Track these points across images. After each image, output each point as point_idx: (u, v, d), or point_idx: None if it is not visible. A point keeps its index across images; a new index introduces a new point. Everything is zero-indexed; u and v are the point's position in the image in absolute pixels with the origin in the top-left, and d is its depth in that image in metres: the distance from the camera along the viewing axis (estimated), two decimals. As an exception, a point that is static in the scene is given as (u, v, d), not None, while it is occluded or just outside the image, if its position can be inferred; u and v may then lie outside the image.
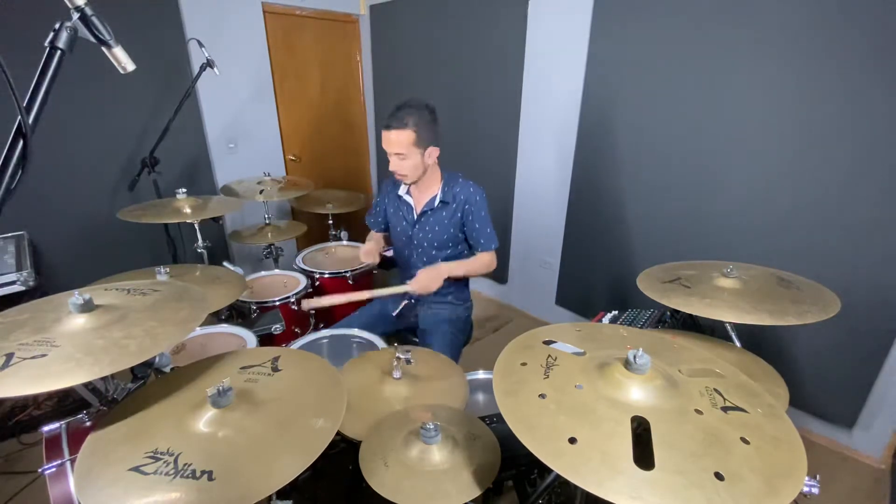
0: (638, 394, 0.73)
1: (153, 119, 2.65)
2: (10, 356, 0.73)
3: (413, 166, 1.57)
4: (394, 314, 1.83)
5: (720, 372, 0.84)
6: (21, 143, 0.79)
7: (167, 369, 1.06)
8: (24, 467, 1.81)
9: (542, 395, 0.75)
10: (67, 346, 0.76)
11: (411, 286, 1.60)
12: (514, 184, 2.94)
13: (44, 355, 0.73)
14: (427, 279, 1.60)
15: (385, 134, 1.54)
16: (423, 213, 1.70)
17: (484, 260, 1.70)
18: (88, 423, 1.02)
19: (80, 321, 0.83)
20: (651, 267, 1.41)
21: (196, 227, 2.08)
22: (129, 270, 1.56)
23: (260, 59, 3.12)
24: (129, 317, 0.86)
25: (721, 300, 1.14)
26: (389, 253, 2.41)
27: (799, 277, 1.27)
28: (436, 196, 1.67)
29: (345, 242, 2.65)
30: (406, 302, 1.82)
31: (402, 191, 1.75)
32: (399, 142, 1.51)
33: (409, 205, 1.74)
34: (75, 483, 0.71)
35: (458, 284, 1.80)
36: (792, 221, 1.84)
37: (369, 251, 1.82)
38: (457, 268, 1.67)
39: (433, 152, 1.59)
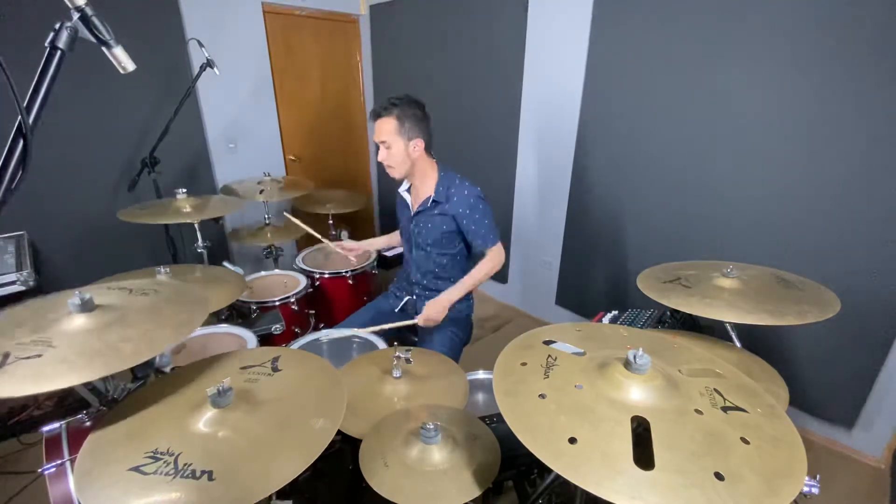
0: (638, 394, 0.73)
1: (153, 119, 2.64)
2: (6, 355, 0.72)
3: (397, 157, 1.60)
4: (396, 311, 1.85)
5: (720, 372, 0.84)
6: (21, 143, 0.79)
7: (167, 369, 1.06)
8: (24, 467, 1.80)
9: (542, 395, 0.75)
10: (63, 346, 0.76)
11: (419, 320, 1.62)
12: (514, 184, 2.93)
13: (39, 356, 0.73)
14: (433, 313, 1.61)
15: (373, 124, 1.60)
16: (419, 212, 1.72)
17: (485, 265, 1.68)
18: (88, 423, 1.02)
19: (79, 321, 0.83)
20: (651, 267, 1.41)
21: (196, 227, 2.08)
22: (129, 270, 1.56)
23: (260, 59, 3.12)
24: (128, 318, 0.86)
25: (721, 300, 1.13)
26: (390, 253, 2.41)
27: (799, 277, 1.27)
28: (430, 196, 1.68)
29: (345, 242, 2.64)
30: (408, 298, 1.84)
31: (402, 188, 1.78)
32: (382, 129, 1.57)
33: (407, 203, 1.77)
34: (75, 483, 0.71)
35: (453, 284, 1.79)
36: (792, 221, 1.84)
37: (352, 248, 2.06)
38: (459, 290, 1.66)
39: (418, 144, 1.60)
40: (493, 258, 1.68)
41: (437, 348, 1.60)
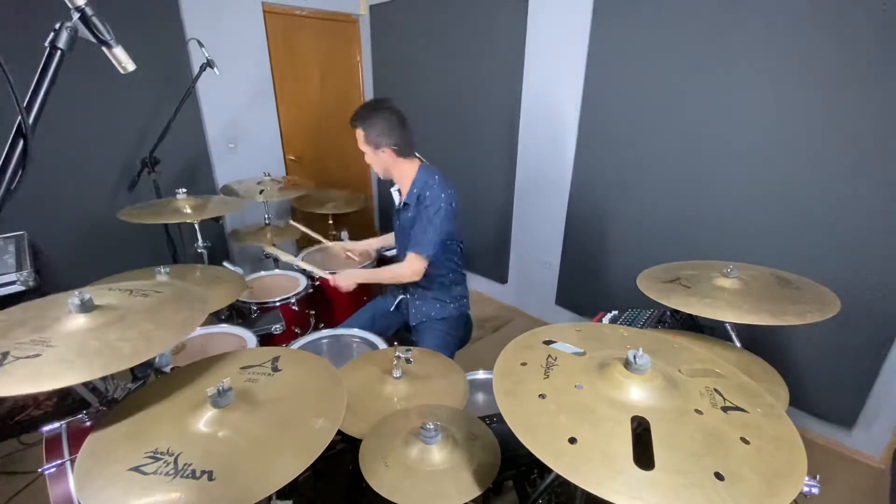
0: (638, 394, 0.73)
1: (153, 119, 2.64)
2: (5, 355, 0.72)
3: (374, 163, 1.68)
4: (391, 310, 1.88)
5: (720, 372, 0.84)
6: (21, 143, 0.79)
7: (167, 369, 1.06)
8: (24, 467, 1.81)
9: (542, 395, 0.75)
10: (62, 346, 0.76)
11: (333, 277, 1.79)
12: (514, 183, 2.93)
13: (38, 355, 0.73)
14: (343, 279, 1.77)
15: None
16: (397, 211, 1.78)
17: (392, 269, 1.73)
18: (88, 423, 1.02)
19: (79, 321, 0.83)
20: (651, 267, 1.41)
21: (196, 227, 2.08)
22: (129, 270, 1.56)
23: (260, 59, 3.12)
24: (128, 318, 0.86)
25: (721, 300, 1.13)
26: (390, 253, 2.41)
27: (799, 277, 1.27)
28: (404, 198, 1.72)
29: (345, 243, 2.65)
30: (402, 297, 1.85)
31: (394, 188, 1.81)
32: (357, 139, 1.65)
33: (395, 203, 1.81)
34: (75, 483, 0.71)
35: (440, 284, 1.79)
36: (792, 221, 1.84)
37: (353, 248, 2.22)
38: (364, 276, 1.83)
39: (385, 152, 1.63)
40: (406, 266, 1.67)
41: (430, 347, 1.60)
